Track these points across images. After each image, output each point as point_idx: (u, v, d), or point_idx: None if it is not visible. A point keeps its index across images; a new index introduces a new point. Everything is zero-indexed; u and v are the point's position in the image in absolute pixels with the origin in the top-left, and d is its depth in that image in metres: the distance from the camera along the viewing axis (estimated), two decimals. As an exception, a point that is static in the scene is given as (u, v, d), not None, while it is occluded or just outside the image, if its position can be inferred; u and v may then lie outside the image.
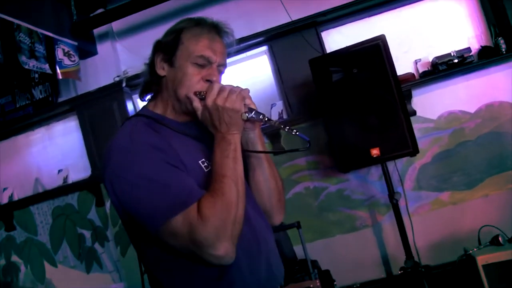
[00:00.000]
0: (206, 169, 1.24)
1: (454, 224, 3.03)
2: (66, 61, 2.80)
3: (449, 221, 3.04)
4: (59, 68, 2.74)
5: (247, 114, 1.20)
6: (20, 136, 3.79)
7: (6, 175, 3.81)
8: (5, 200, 3.80)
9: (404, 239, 2.69)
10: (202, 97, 1.23)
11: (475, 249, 2.46)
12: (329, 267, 3.08)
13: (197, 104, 1.23)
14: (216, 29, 1.31)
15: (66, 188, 3.60)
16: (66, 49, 2.84)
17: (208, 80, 1.26)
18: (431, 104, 3.05)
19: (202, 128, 1.26)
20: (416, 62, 3.09)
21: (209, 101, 1.19)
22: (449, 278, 2.87)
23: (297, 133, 1.18)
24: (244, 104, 1.22)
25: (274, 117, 3.32)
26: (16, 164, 3.81)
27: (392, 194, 2.61)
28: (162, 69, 1.29)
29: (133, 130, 1.21)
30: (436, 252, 3.05)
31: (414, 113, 3.00)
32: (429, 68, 3.01)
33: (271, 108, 3.35)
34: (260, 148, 1.32)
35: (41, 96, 3.50)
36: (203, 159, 1.26)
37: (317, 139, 3.19)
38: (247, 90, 1.24)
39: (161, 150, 1.15)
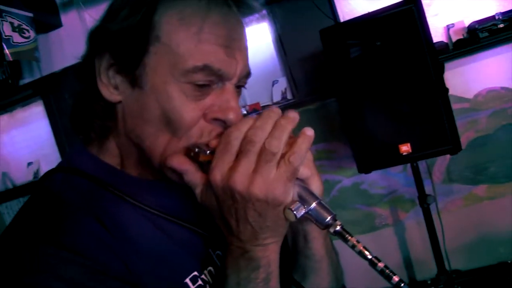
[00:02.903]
0: None
1: (490, 223, 2.56)
2: (17, 38, 2.24)
3: (485, 219, 2.57)
4: (7, 48, 2.18)
5: (295, 212, 0.59)
6: (-18, 124, 3.27)
7: (-31, 169, 3.32)
8: (-30, 198, 3.32)
9: (436, 247, 2.23)
10: (204, 160, 0.62)
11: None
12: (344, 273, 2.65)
13: (193, 177, 0.63)
14: None
15: (37, 184, 3.11)
16: (16, 22, 2.27)
17: (217, 120, 0.65)
18: (467, 80, 2.51)
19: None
20: (448, 28, 2.53)
21: (217, 178, 0.59)
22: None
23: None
24: (299, 185, 0.62)
25: (276, 97, 2.79)
26: (-20, 156, 3.31)
27: (423, 197, 2.13)
28: (112, 90, 0.66)
29: (41, 229, 0.60)
30: (467, 255, 2.60)
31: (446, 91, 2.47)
32: (465, 35, 2.45)
33: (273, 85, 2.81)
34: (321, 253, 0.76)
35: (-1, 78, 2.95)
36: (195, 273, 0.68)
37: (329, 123, 2.68)
38: (305, 143, 0.59)
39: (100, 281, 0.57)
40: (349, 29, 2.08)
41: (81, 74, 0.70)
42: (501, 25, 2.27)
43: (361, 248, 0.59)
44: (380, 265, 0.58)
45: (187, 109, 0.63)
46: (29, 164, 3.16)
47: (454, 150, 1.94)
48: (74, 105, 0.72)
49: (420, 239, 2.61)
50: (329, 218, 0.60)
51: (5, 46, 2.16)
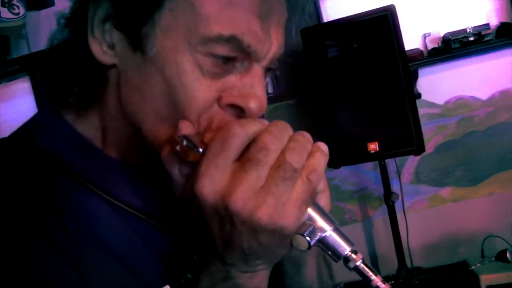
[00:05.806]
0: None
1: (452, 224, 2.69)
2: (5, 14, 2.27)
3: (448, 220, 2.70)
4: (-6, 23, 2.21)
5: (308, 239, 0.45)
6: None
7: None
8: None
9: (398, 243, 2.35)
10: (195, 160, 0.44)
11: (478, 265, 2.13)
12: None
13: (173, 170, 0.47)
14: None
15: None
16: (7, -3, 2.32)
17: (233, 106, 0.51)
18: (439, 87, 2.63)
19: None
20: (425, 36, 2.65)
21: (206, 191, 0.42)
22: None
23: None
24: (315, 206, 0.48)
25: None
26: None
27: (388, 195, 2.25)
28: (106, 48, 0.51)
29: None
30: (430, 253, 2.73)
31: (418, 96, 2.59)
32: (439, 44, 2.58)
33: (255, 79, 2.91)
34: (313, 277, 0.63)
35: (-13, 52, 2.98)
36: (167, 286, 0.53)
37: (307, 118, 2.79)
38: (324, 159, 0.47)
39: None
40: (329, 30, 2.19)
41: (69, 21, 0.54)
42: (472, 38, 2.40)
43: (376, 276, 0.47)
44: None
45: (201, 87, 0.48)
46: (13, 139, 3.20)
47: (418, 151, 2.06)
48: (50, 59, 0.58)
49: (386, 236, 2.72)
50: (348, 250, 0.46)
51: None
